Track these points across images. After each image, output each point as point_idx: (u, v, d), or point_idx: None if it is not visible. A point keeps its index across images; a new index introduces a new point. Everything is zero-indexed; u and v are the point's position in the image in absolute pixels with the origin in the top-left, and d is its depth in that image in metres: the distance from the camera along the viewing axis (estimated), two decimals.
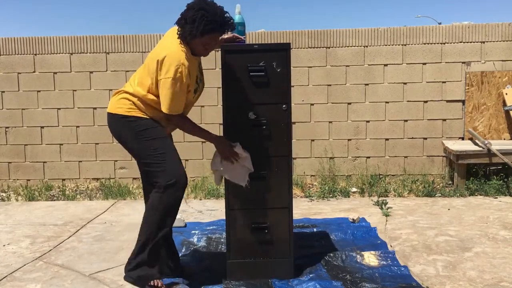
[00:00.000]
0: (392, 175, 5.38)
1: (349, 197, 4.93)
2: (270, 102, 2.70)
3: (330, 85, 5.33)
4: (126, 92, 2.63)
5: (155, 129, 2.61)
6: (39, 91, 5.50)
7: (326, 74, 5.32)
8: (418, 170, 5.33)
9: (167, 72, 2.46)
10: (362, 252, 3.16)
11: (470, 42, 5.21)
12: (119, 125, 2.66)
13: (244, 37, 2.84)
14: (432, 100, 5.29)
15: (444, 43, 5.23)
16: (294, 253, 2.85)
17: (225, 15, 2.50)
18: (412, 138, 5.35)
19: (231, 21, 2.54)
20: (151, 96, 2.57)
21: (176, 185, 2.55)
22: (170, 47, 2.53)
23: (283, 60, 2.67)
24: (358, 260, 3.06)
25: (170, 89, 2.47)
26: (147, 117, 2.61)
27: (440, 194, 4.84)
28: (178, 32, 2.52)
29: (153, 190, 2.60)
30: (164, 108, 2.52)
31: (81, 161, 5.56)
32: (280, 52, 2.68)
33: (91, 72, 5.45)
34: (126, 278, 2.69)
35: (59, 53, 5.46)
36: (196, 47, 2.55)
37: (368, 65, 5.30)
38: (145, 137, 2.59)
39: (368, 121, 5.36)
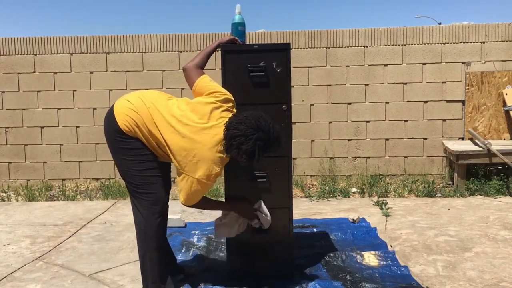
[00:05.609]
0: (392, 175, 5.39)
1: (349, 197, 4.93)
2: (270, 102, 2.69)
3: (330, 85, 5.33)
4: (139, 115, 2.37)
5: (143, 150, 2.42)
6: (39, 91, 5.50)
7: (326, 74, 5.33)
8: (418, 170, 5.33)
9: (200, 175, 2.32)
10: (362, 252, 3.16)
11: (470, 42, 5.21)
12: (112, 133, 2.45)
13: (243, 39, 2.83)
14: (432, 100, 5.29)
15: (444, 43, 5.23)
16: (294, 253, 2.86)
17: (278, 137, 2.34)
18: (412, 138, 5.35)
19: (280, 141, 2.39)
20: (163, 142, 2.37)
21: (156, 209, 2.44)
22: (215, 157, 2.33)
23: (283, 60, 2.67)
24: (358, 260, 3.06)
25: (192, 188, 2.35)
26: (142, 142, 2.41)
27: (440, 194, 4.84)
28: (227, 145, 2.32)
29: (134, 215, 2.49)
30: (182, 198, 2.41)
31: (81, 161, 5.56)
32: (280, 52, 2.67)
33: (91, 72, 5.45)
34: None
35: (59, 53, 5.46)
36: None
37: (368, 65, 5.30)
38: (131, 155, 2.42)
39: (368, 121, 5.36)
